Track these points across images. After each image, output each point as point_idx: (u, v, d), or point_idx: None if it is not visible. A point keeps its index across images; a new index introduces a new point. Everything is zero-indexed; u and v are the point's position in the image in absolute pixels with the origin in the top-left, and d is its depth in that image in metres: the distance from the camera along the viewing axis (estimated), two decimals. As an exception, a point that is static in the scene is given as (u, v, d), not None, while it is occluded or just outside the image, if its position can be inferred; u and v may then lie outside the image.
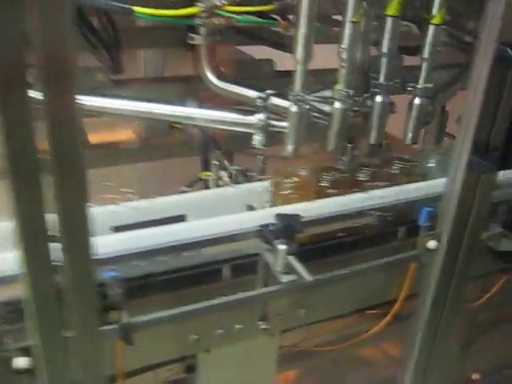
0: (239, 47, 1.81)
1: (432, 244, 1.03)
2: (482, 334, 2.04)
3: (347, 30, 1.14)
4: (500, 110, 0.91)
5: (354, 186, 1.27)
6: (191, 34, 1.31)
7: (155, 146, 1.94)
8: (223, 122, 1.20)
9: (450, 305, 1.09)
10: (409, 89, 1.29)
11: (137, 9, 1.02)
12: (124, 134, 1.98)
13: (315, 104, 1.14)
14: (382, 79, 1.24)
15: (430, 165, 1.40)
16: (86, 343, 0.81)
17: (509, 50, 0.85)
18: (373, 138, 1.28)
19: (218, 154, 1.54)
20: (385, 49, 1.21)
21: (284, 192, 1.23)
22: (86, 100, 1.17)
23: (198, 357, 1.30)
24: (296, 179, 1.25)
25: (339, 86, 1.18)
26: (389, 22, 1.18)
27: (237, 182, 1.42)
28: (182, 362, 1.35)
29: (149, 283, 1.16)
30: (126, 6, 1.03)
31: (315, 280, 1.05)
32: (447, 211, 1.00)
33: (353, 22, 1.13)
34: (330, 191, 1.25)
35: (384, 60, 1.22)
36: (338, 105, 1.19)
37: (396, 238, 1.24)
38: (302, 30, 1.10)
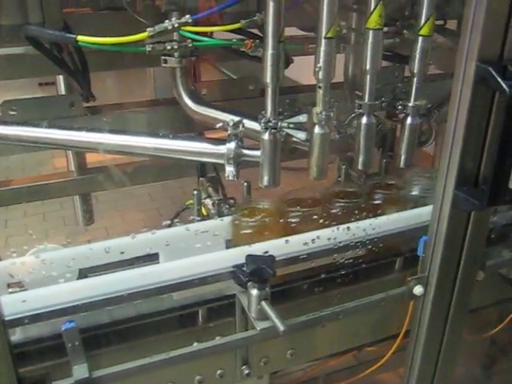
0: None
1: (418, 290, 0.91)
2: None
3: (322, 47, 1.02)
4: (488, 137, 0.78)
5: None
6: (164, 57, 1.23)
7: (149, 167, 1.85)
8: (191, 153, 1.10)
9: (445, 358, 0.97)
10: (399, 107, 1.17)
11: (81, 38, 0.93)
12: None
13: (290, 131, 1.02)
14: (366, 98, 1.12)
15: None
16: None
17: (490, 69, 0.72)
18: (360, 163, 1.17)
19: (203, 180, 1.45)
20: (368, 65, 1.09)
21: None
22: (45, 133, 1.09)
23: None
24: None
25: (318, 109, 1.07)
26: (370, 35, 1.07)
27: (220, 212, 1.33)
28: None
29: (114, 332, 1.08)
30: (71, 36, 0.95)
31: (289, 327, 0.95)
32: (433, 254, 0.88)
33: (327, 38, 1.02)
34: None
35: (367, 77, 1.11)
36: (317, 130, 1.08)
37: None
38: (270, 51, 1.00)
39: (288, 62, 1.40)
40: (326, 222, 1.08)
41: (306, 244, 0.96)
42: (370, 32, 1.07)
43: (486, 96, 0.75)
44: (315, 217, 1.11)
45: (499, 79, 0.71)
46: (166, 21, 0.95)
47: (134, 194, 3.17)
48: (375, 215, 1.10)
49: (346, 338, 1.25)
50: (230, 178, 1.09)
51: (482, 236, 0.88)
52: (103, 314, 1.09)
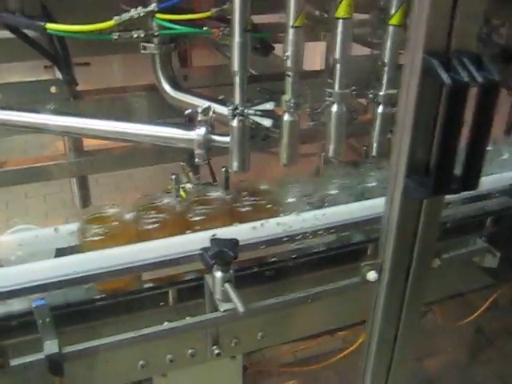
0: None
1: (372, 276, 0.93)
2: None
3: (290, 36, 1.04)
4: (437, 127, 0.80)
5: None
6: (144, 44, 1.25)
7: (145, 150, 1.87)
8: (161, 138, 1.13)
9: (400, 344, 0.99)
10: (370, 96, 1.18)
11: (49, 25, 0.96)
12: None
13: (256, 118, 1.04)
14: (336, 87, 1.14)
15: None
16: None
17: (434, 61, 0.74)
18: (331, 151, 1.18)
19: (184, 165, 1.48)
20: (337, 55, 1.11)
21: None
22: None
23: (154, 381, 1.25)
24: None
25: (287, 97, 1.09)
26: (339, 25, 1.08)
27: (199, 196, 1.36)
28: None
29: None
30: (39, 24, 0.98)
31: (249, 310, 0.98)
32: (386, 240, 0.90)
33: (295, 27, 1.03)
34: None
35: (337, 67, 1.12)
36: (286, 117, 1.10)
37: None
38: (237, 39, 1.02)
39: (268, 50, 1.41)
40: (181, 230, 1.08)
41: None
42: (339, 21, 1.08)
43: (434, 87, 0.77)
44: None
45: (441, 71, 0.73)
46: (132, 9, 0.97)
47: (134, 178, 3.21)
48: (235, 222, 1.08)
49: (317, 322, 1.28)
50: (200, 162, 1.11)
51: (434, 224, 0.90)
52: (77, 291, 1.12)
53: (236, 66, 1.04)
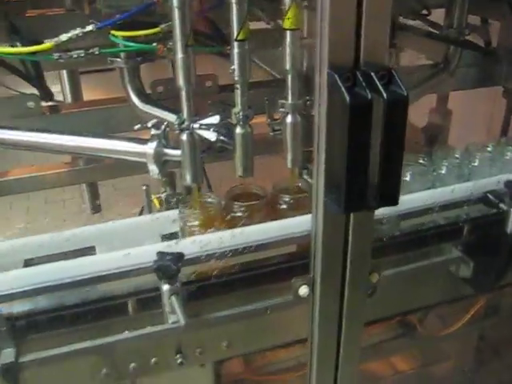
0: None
1: (303, 291, 0.92)
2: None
3: (235, 49, 1.04)
4: (348, 145, 0.78)
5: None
6: (110, 58, 1.27)
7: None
8: (115, 152, 1.15)
9: (344, 359, 0.97)
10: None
11: (-6, 49, 1.00)
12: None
13: (200, 131, 1.05)
14: (289, 98, 1.13)
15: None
16: None
17: (337, 77, 0.72)
18: (289, 161, 1.18)
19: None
20: (287, 65, 1.10)
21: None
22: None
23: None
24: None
25: (236, 110, 1.09)
26: (288, 36, 1.07)
27: (168, 206, 1.38)
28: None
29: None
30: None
31: (191, 322, 0.99)
32: (315, 255, 0.89)
33: (239, 41, 1.03)
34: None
35: (289, 77, 1.11)
36: (238, 129, 1.11)
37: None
38: (180, 55, 1.03)
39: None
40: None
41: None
42: (287, 32, 1.07)
43: (340, 103, 0.75)
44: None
45: (343, 87, 0.71)
46: (71, 30, 0.99)
47: (151, 182, 3.25)
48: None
49: (282, 332, 1.27)
50: (154, 176, 1.13)
51: (365, 239, 0.88)
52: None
53: (181, 81, 1.05)
